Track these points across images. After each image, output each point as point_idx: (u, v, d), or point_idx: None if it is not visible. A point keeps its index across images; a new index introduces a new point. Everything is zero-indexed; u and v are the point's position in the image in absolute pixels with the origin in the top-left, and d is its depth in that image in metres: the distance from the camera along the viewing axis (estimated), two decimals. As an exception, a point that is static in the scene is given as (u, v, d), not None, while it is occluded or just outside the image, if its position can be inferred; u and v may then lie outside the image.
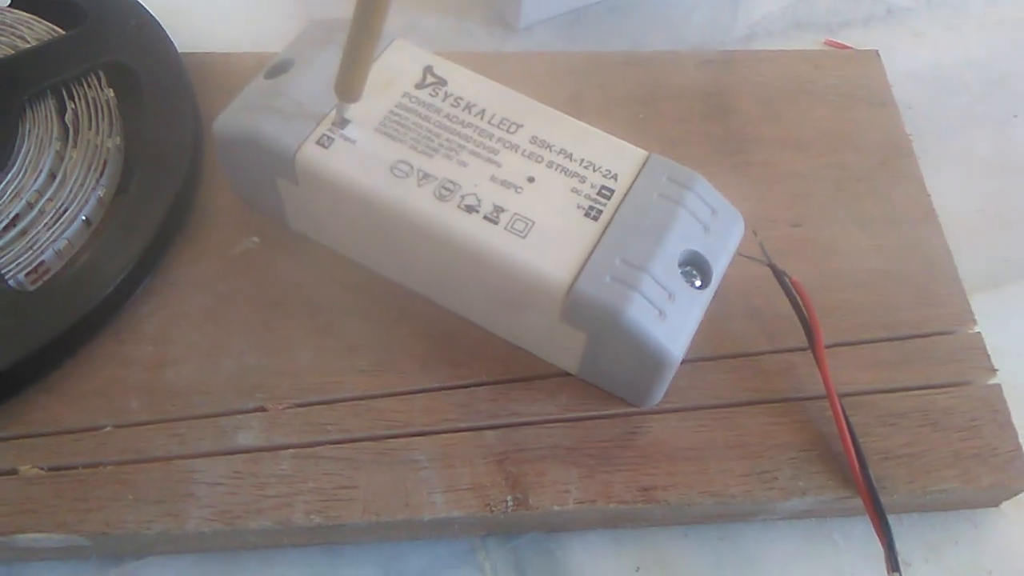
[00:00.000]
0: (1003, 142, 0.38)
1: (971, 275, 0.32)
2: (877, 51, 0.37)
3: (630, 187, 0.26)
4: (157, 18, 0.34)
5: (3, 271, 0.28)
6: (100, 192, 0.30)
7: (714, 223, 0.26)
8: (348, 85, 0.26)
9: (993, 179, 0.37)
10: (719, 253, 0.26)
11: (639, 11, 0.41)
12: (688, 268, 0.26)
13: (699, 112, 0.35)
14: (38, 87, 0.31)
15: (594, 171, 0.27)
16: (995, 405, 0.29)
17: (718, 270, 0.26)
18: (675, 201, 0.26)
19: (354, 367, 0.28)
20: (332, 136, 0.27)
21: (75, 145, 0.30)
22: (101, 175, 0.30)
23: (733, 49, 0.39)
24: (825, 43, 0.40)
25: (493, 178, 0.26)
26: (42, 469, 0.26)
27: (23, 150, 0.30)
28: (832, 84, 0.36)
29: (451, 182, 0.26)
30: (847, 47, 0.39)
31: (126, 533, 0.25)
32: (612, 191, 0.26)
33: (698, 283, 0.26)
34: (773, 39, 0.40)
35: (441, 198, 0.26)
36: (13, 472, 0.26)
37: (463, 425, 0.27)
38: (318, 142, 0.26)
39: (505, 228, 0.25)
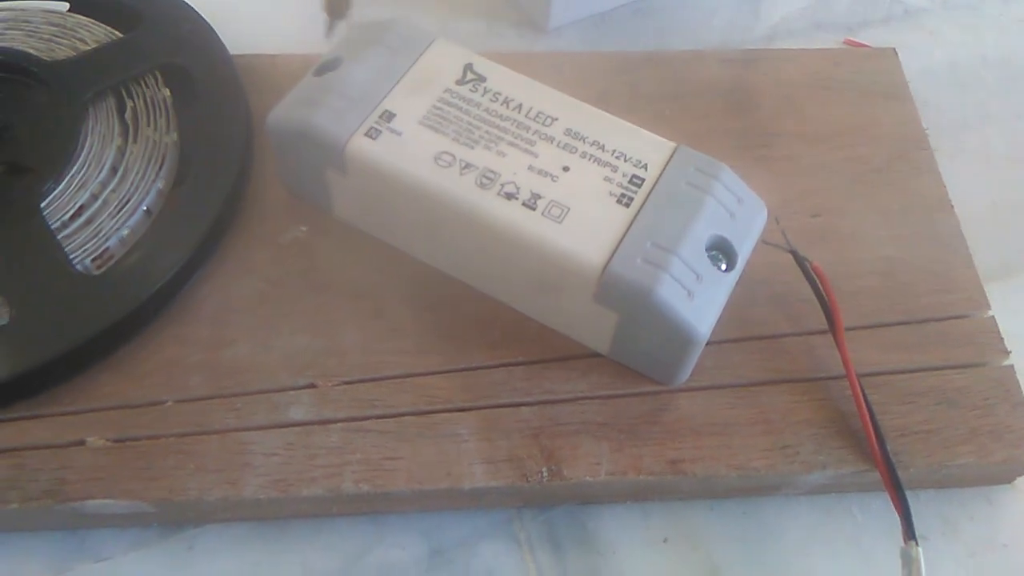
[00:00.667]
0: (1017, 137, 0.39)
1: (986, 264, 0.33)
2: (894, 48, 0.38)
3: (660, 176, 0.28)
4: (208, 21, 0.36)
5: (71, 256, 0.29)
6: (159, 184, 0.32)
7: (739, 210, 0.28)
8: None
9: (1008, 173, 0.38)
10: (744, 238, 0.28)
11: (662, 14, 0.42)
12: (715, 252, 0.28)
13: (722, 108, 0.36)
14: (99, 87, 0.33)
15: (625, 161, 0.28)
16: (1008, 385, 0.30)
17: (743, 254, 0.28)
18: (702, 189, 0.28)
19: (398, 347, 0.30)
20: (379, 128, 0.28)
21: (135, 141, 0.32)
22: (160, 169, 0.32)
23: (755, 48, 0.40)
24: (844, 42, 0.41)
25: (531, 167, 0.28)
26: (108, 440, 0.28)
27: (87, 145, 0.32)
28: (851, 80, 0.37)
29: (491, 171, 0.28)
30: (865, 45, 0.41)
31: (187, 500, 0.27)
32: (643, 179, 0.28)
33: (724, 266, 0.27)
34: (793, 39, 0.42)
35: (482, 186, 0.27)
36: (81, 443, 0.28)
37: (501, 401, 0.29)
38: (366, 134, 0.28)
39: (542, 214, 0.27)
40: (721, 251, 0.28)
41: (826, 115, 0.36)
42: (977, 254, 0.33)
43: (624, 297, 0.26)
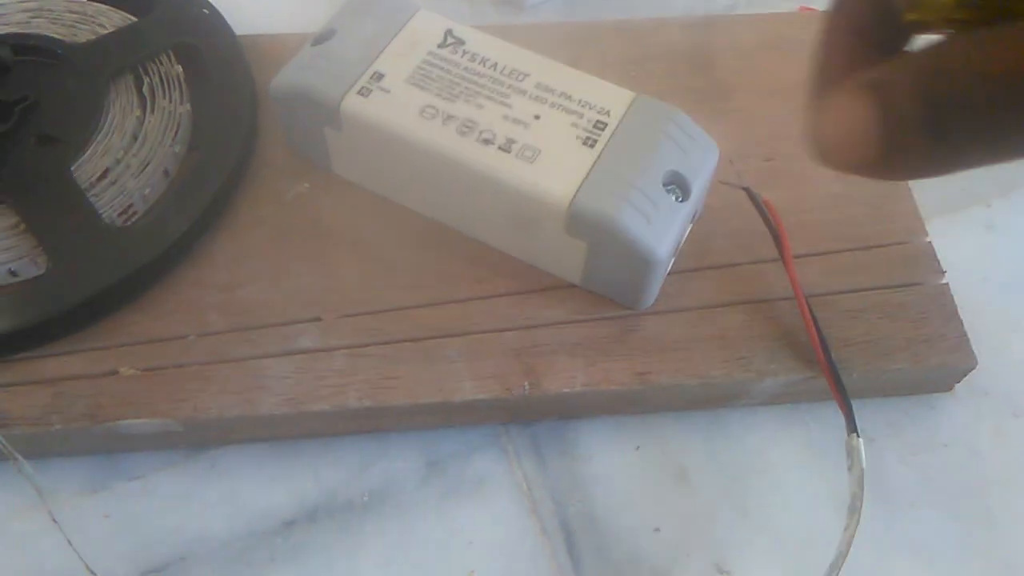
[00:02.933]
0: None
1: (930, 201, 0.37)
2: (841, 11, 0.42)
3: (620, 121, 0.31)
4: (216, 5, 0.39)
5: (99, 212, 0.33)
6: (176, 149, 0.35)
7: (692, 148, 0.31)
8: None
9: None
10: (697, 173, 0.31)
11: (632, -12, 0.46)
12: (671, 186, 0.31)
13: (684, 69, 0.40)
14: (118, 65, 0.37)
15: (590, 109, 0.32)
16: (943, 301, 0.33)
17: (696, 187, 0.31)
18: (658, 131, 0.31)
19: (394, 284, 0.33)
20: (370, 88, 0.32)
21: (152, 112, 0.36)
22: (176, 135, 0.35)
23: (715, 14, 0.44)
24: (799, 9, 0.45)
25: (505, 117, 0.31)
26: (139, 370, 0.31)
27: (109, 117, 0.36)
28: (802, 40, 0.40)
29: (470, 121, 0.31)
30: (817, 10, 0.44)
31: (210, 417, 0.30)
32: (606, 124, 0.31)
33: (679, 198, 0.31)
34: (753, 7, 0.45)
35: (462, 134, 0.31)
36: (115, 373, 0.31)
37: (487, 328, 0.32)
38: (359, 93, 0.32)
39: (516, 156, 0.30)
40: (677, 184, 0.31)
41: (779, 72, 0.39)
42: (924, 192, 0.36)
43: (591, 226, 0.30)
